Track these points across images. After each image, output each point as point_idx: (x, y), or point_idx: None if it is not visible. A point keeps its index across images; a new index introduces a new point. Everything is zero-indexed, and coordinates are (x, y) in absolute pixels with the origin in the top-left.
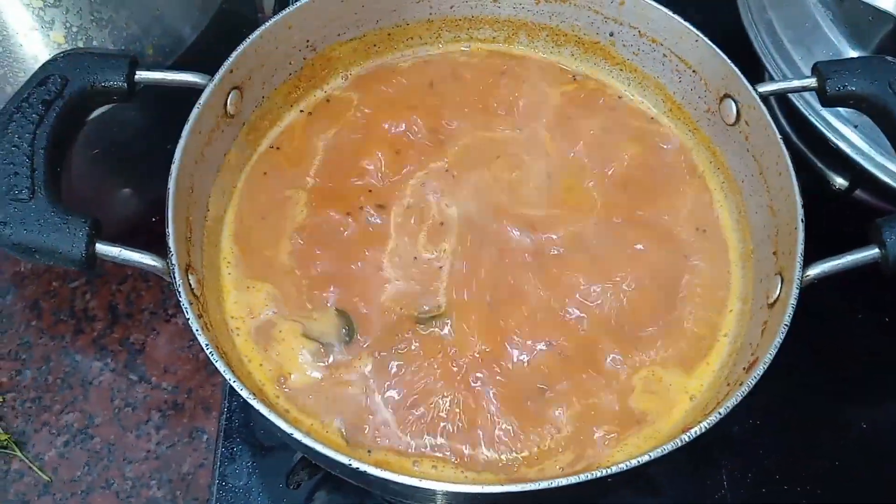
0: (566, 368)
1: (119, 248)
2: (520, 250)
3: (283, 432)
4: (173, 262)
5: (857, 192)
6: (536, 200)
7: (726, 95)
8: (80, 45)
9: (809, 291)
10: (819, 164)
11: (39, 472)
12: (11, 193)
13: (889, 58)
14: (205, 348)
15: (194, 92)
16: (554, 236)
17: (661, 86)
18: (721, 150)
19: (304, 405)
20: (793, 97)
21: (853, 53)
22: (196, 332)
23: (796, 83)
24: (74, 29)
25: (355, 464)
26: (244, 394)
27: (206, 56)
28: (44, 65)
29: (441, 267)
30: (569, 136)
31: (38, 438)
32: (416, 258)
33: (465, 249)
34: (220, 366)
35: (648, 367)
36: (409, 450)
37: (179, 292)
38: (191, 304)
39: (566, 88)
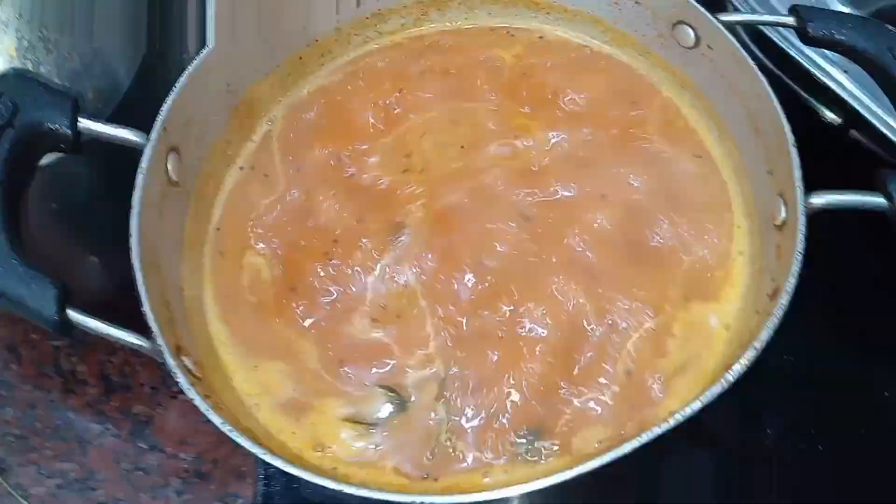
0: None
1: (96, 321)
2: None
3: (335, 490)
4: (159, 342)
5: (853, 133)
6: (504, 161)
7: (680, 22)
8: (28, 65)
9: (827, 226)
10: (809, 98)
11: (23, 502)
12: None
13: (889, 26)
14: (221, 427)
15: (137, 151)
16: (537, 189)
17: (598, 19)
18: (682, 70)
19: (353, 460)
20: (771, 35)
21: (842, 8)
22: (207, 412)
23: (768, 17)
24: (25, 43)
25: (420, 498)
26: (279, 464)
27: (145, 104)
28: None
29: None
30: (521, 91)
31: (24, 472)
32: (401, 281)
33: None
34: (244, 442)
35: (674, 309)
36: (476, 463)
37: (176, 374)
38: (192, 385)
39: (498, 45)
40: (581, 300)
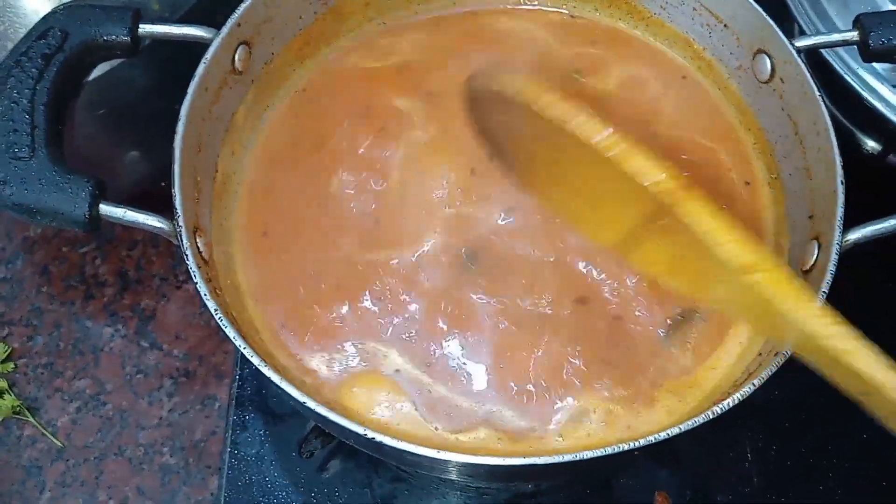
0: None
1: (124, 209)
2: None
3: (296, 400)
4: (180, 223)
5: (891, 158)
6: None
7: (760, 51)
8: None
9: (842, 259)
10: (850, 126)
11: (52, 439)
12: (11, 151)
13: None
14: (213, 314)
15: (202, 48)
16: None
17: (690, 41)
18: (753, 110)
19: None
20: (826, 55)
21: (893, 7)
22: (204, 297)
23: (836, 36)
24: None
25: (370, 434)
26: (255, 360)
27: (214, 11)
28: (43, 17)
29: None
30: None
31: (51, 405)
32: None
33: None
34: (229, 332)
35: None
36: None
37: (187, 255)
38: (199, 267)
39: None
40: None
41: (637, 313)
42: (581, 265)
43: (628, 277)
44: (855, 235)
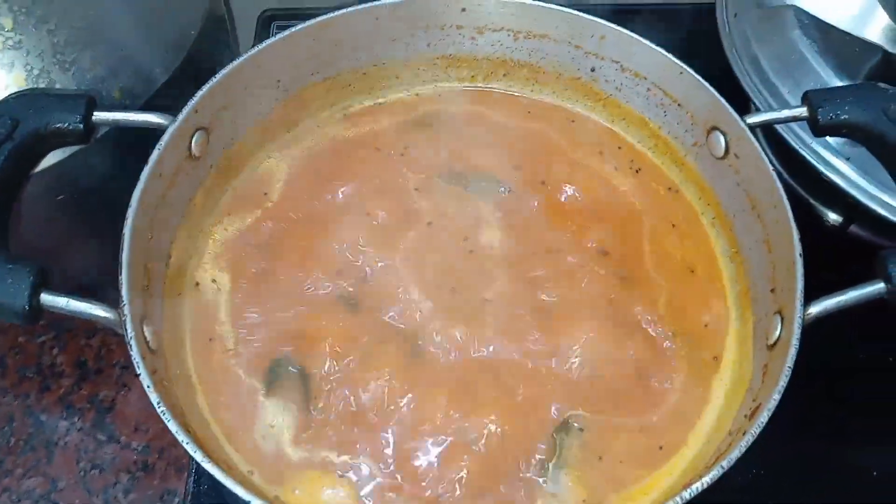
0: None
1: (66, 299)
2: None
3: (240, 499)
4: (125, 311)
5: (853, 228)
6: (515, 247)
7: (714, 128)
8: (42, 85)
9: (808, 332)
10: (811, 200)
11: None
12: None
13: (881, 84)
14: (156, 406)
15: (160, 134)
16: (538, 279)
17: (645, 121)
18: (710, 186)
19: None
20: (782, 132)
21: (840, 83)
22: (147, 389)
23: (786, 112)
24: (36, 71)
25: None
26: (198, 456)
27: (177, 99)
28: None
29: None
30: (555, 177)
31: None
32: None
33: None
34: (171, 425)
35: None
36: None
37: (131, 345)
38: (143, 357)
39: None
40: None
41: None
42: None
43: None
44: (817, 308)
